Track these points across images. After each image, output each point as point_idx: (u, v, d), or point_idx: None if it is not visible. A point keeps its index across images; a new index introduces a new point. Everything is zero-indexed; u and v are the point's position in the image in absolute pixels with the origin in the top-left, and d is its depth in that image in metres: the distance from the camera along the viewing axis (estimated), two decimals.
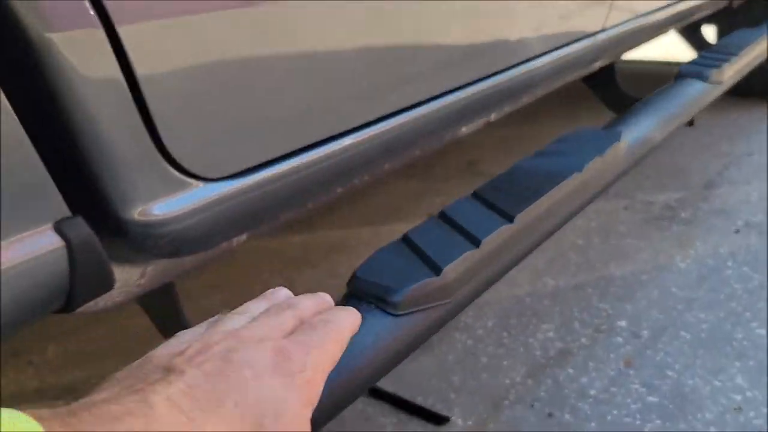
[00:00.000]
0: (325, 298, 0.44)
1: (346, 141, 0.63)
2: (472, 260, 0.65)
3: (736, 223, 1.54)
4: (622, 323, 1.23)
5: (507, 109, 0.98)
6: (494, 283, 0.70)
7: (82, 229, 0.40)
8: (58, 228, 0.40)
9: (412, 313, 0.60)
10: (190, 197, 0.47)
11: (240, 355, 0.33)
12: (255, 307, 0.41)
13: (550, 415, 1.03)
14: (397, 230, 1.78)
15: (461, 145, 2.32)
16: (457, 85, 0.80)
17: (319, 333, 0.37)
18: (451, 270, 0.63)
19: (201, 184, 0.49)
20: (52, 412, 0.26)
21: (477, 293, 0.67)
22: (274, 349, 0.34)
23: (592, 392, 1.06)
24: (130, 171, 0.43)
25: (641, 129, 1.01)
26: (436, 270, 0.63)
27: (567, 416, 1.02)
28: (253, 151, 0.52)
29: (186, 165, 0.46)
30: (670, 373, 1.08)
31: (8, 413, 0.24)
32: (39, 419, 0.24)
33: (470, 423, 1.03)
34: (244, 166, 0.51)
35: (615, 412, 1.01)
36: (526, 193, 0.78)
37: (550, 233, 0.78)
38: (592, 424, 1.00)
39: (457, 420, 1.04)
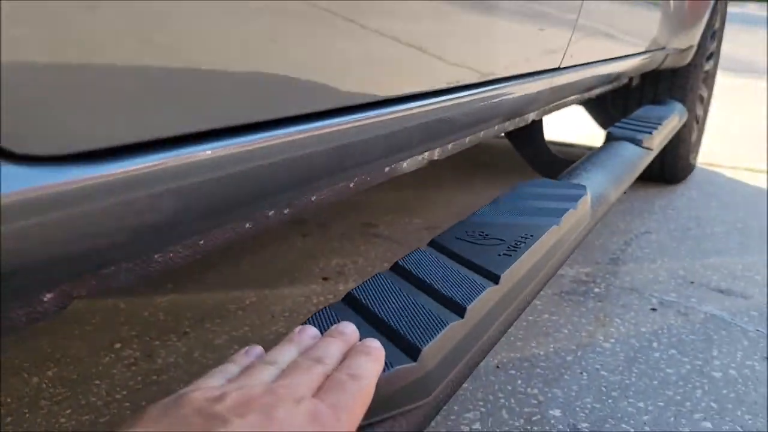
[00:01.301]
0: (349, 335, 0.42)
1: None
2: (457, 336, 0.44)
3: (651, 302, 1.46)
4: (556, 413, 1.05)
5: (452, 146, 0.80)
6: (476, 366, 0.49)
7: None
8: None
9: (378, 423, 0.37)
10: None
11: (280, 414, 0.32)
12: (284, 355, 0.40)
13: None
14: (286, 294, 1.52)
15: (356, 206, 2.13)
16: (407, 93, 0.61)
17: (348, 393, 0.35)
18: (432, 352, 0.41)
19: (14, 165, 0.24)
20: None
21: (459, 383, 0.45)
22: (310, 412, 0.33)
23: None
24: None
25: (599, 185, 0.87)
26: (411, 352, 0.40)
27: None
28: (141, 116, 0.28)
29: None
30: None
31: None
32: None
33: None
34: (115, 141, 0.27)
35: None
36: (500, 247, 0.58)
37: (534, 296, 0.58)
38: None
39: None
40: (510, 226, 0.64)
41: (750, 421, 1.03)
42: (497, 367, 1.18)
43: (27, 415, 1.01)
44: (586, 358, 1.22)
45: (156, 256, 0.43)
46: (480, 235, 0.61)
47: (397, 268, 0.52)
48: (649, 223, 2.00)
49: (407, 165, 0.75)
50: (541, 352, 1.23)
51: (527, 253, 0.56)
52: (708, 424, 1.03)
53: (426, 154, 0.77)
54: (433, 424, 1.01)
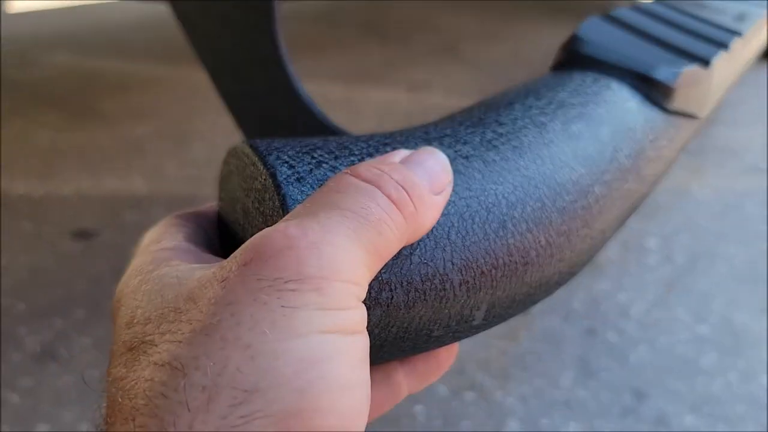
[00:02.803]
0: None
1: None
2: (726, 65, 0.41)
3: (744, 164, 1.42)
4: (651, 243, 1.05)
5: None
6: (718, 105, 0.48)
7: None
8: None
9: (680, 115, 0.35)
10: None
11: None
12: None
13: (591, 331, 0.83)
14: (372, 96, 1.48)
15: (440, 29, 2.03)
16: None
17: None
18: (718, 66, 0.38)
19: None
20: None
21: (714, 109, 0.44)
22: None
23: (634, 312, 0.88)
24: None
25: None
26: (702, 61, 0.37)
27: (611, 335, 0.83)
28: None
29: None
30: (715, 305, 0.92)
31: None
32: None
33: (497, 327, 0.81)
34: None
35: (664, 338, 0.84)
36: (728, 16, 0.53)
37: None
38: (642, 348, 0.81)
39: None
40: (716, 6, 0.58)
41: None
42: None
43: (135, 160, 1.02)
44: (681, 203, 1.20)
45: None
46: (697, 5, 0.56)
47: (638, 10, 0.48)
48: (742, 92, 1.90)
49: None
50: None
51: (756, 22, 0.52)
52: None
53: None
54: None
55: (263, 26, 0.39)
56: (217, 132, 1.16)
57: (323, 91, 1.41)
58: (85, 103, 1.24)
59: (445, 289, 0.23)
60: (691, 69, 0.36)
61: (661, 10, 0.50)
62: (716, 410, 0.75)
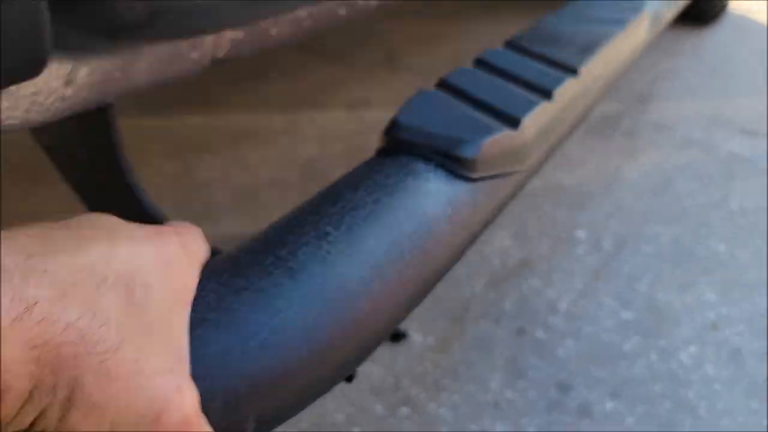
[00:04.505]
0: None
1: None
2: (549, 114, 0.46)
3: (677, 137, 1.48)
4: (581, 234, 1.11)
5: None
6: (561, 145, 0.53)
7: None
8: None
9: (490, 179, 0.41)
10: None
11: None
12: None
13: (520, 331, 0.89)
14: (315, 118, 1.53)
15: (379, 36, 2.08)
16: None
17: None
18: (531, 123, 0.44)
19: None
20: None
21: (548, 156, 0.50)
22: None
23: (562, 306, 0.94)
24: None
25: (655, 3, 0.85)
26: (512, 122, 0.43)
27: (539, 332, 0.89)
28: None
29: None
30: (639, 287, 0.98)
31: None
32: None
33: (431, 340, 0.87)
34: None
35: (590, 328, 0.90)
36: (574, 48, 0.59)
37: (606, 90, 0.61)
38: (568, 341, 0.87)
39: (415, 336, 0.87)
40: (581, 31, 0.63)
41: (763, 248, 1.09)
42: (524, 193, 1.22)
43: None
44: (612, 188, 1.26)
45: None
46: (551, 38, 0.61)
47: (480, 62, 0.53)
48: (677, 61, 1.96)
49: None
50: (567, 182, 1.27)
51: (602, 49, 0.58)
52: (721, 247, 1.09)
53: None
54: None
55: (108, 153, 0.45)
56: (168, 178, 1.21)
57: (266, 123, 1.46)
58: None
59: None
60: (497, 136, 0.41)
61: (505, 56, 0.55)
62: (635, 392, 0.81)
